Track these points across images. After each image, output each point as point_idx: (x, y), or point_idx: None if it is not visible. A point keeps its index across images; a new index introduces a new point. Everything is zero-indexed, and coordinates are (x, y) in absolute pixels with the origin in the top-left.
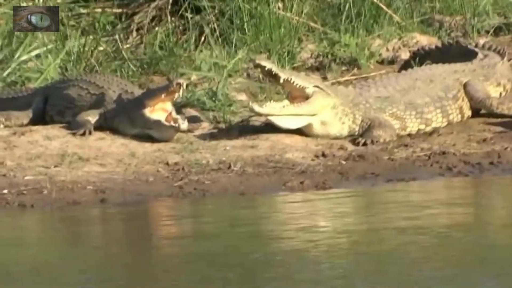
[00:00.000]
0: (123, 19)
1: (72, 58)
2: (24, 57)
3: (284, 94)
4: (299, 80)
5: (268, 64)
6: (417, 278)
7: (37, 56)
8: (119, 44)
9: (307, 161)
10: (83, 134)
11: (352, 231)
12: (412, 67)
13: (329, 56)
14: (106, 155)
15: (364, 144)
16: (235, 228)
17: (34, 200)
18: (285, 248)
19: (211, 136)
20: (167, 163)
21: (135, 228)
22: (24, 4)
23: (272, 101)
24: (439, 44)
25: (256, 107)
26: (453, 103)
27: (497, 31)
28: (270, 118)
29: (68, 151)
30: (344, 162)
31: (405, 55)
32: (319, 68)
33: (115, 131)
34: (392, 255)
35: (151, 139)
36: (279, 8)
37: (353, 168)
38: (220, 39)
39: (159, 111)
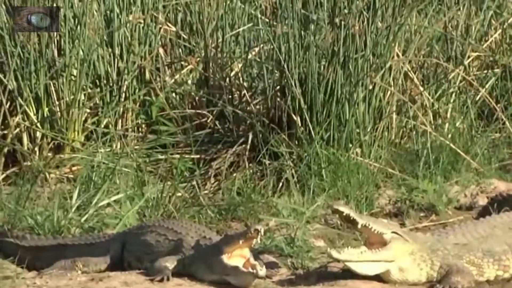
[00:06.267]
0: (201, 165)
1: (150, 204)
2: (102, 203)
3: (362, 240)
4: (377, 226)
5: (346, 210)
6: None
7: (116, 202)
8: (197, 190)
9: None
10: (161, 280)
11: None
12: (490, 214)
13: (407, 202)
14: None
15: None
16: None
17: None
18: None
19: (289, 282)
20: None
21: None
22: None
23: (350, 247)
24: None
25: (334, 253)
26: None
27: None
28: (348, 264)
29: None
30: None
31: (482, 201)
32: (397, 214)
33: (193, 277)
34: None
35: (229, 285)
36: (357, 154)
37: None
38: (297, 185)
39: (237, 257)
